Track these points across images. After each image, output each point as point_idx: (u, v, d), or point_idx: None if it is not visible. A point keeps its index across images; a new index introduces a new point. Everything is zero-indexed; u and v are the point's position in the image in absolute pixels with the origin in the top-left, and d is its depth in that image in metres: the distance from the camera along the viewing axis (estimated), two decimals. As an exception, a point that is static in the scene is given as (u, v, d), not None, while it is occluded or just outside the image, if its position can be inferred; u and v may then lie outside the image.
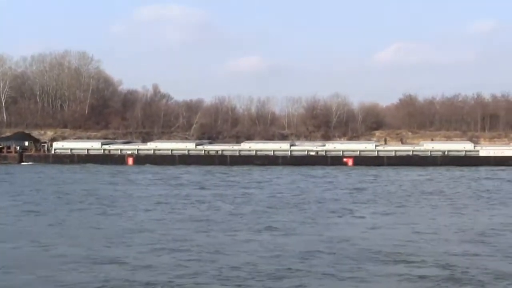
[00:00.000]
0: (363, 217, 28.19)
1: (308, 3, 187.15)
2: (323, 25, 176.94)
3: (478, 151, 64.18)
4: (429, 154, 64.27)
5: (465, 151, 64.31)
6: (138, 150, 67.50)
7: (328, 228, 25.13)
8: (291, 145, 67.44)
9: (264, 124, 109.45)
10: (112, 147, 68.28)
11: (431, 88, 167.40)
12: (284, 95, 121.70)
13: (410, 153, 64.91)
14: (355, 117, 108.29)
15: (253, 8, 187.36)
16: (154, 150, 67.17)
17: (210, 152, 66.89)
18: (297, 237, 23.15)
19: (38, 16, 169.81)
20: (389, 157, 64.27)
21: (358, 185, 43.51)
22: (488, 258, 19.13)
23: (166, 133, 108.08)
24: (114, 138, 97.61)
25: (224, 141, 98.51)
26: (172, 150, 66.96)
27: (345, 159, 64.33)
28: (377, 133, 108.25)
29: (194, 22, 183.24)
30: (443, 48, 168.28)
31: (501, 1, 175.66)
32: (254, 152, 66.17)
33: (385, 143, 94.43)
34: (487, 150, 64.48)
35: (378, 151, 65.21)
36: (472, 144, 66.81)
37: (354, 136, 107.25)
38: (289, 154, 65.66)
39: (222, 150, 67.03)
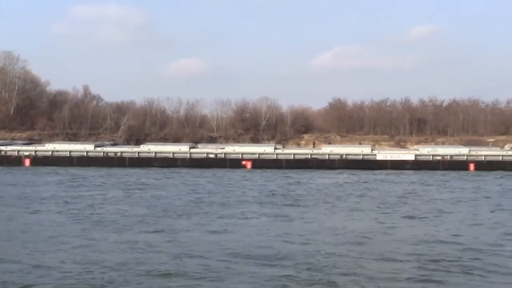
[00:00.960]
0: (247, 219, 27.54)
1: (250, 6, 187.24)
2: (265, 28, 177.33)
3: (375, 155, 64.16)
4: (327, 158, 64.09)
5: (363, 154, 64.23)
6: (35, 151, 66.04)
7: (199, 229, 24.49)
8: (190, 148, 66.68)
9: (192, 127, 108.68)
10: (9, 148, 66.70)
11: (367, 93, 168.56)
12: (214, 97, 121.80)
13: (309, 156, 64.65)
14: (284, 120, 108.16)
15: (195, 10, 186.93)
16: (52, 151, 65.76)
17: (109, 154, 65.77)
18: (175, 236, 22.72)
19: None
20: (287, 160, 63.88)
21: (253, 187, 42.93)
22: (358, 260, 18.89)
23: (93, 135, 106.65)
24: (40, 139, 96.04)
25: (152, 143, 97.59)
26: (70, 151, 65.66)
27: (244, 162, 63.81)
28: (306, 136, 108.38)
29: (133, 22, 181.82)
30: (381, 54, 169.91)
31: (439, 8, 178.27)
32: (154, 154, 65.27)
33: (314, 146, 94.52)
34: (384, 154, 64.48)
35: (277, 154, 64.78)
36: (370, 148, 66.79)
37: (283, 139, 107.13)
38: (189, 156, 64.90)
39: (121, 152, 65.97)
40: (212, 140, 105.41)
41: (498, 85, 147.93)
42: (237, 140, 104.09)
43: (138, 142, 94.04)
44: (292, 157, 64.58)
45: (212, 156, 65.23)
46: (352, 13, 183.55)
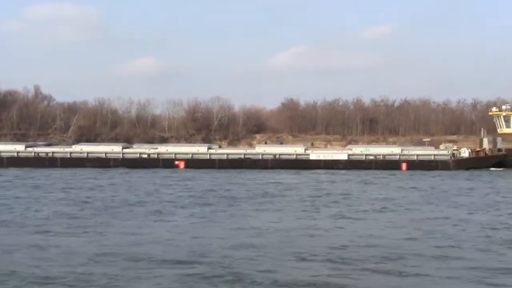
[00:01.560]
0: (173, 220, 26.64)
1: (209, 7, 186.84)
2: (223, 29, 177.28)
3: (308, 154, 63.97)
4: (260, 158, 63.72)
5: (296, 154, 64.02)
6: (-35, 152, 64.71)
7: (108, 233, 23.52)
8: (124, 148, 65.87)
9: (144, 127, 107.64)
10: None
11: (323, 92, 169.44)
12: (167, 97, 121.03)
13: (242, 156, 64.22)
14: (237, 120, 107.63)
15: (151, 10, 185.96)
16: (-18, 152, 64.52)
17: (40, 154, 64.68)
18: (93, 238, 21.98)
19: None
20: (220, 160, 63.38)
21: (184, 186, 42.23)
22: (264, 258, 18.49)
23: (43, 135, 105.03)
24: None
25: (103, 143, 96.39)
26: (0, 152, 64.48)
27: (177, 162, 63.19)
28: (258, 136, 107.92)
29: (89, 22, 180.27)
30: (337, 53, 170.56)
31: (397, 8, 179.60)
32: (86, 154, 64.34)
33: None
34: (317, 153, 64.31)
35: (210, 154, 64.25)
36: (304, 148, 66.53)
37: (235, 139, 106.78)
38: (121, 156, 64.10)
39: (53, 152, 64.91)
40: (163, 140, 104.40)
41: (449, 86, 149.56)
42: (188, 140, 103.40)
43: (88, 142, 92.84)
44: (225, 157, 64.09)
45: (145, 156, 64.51)
46: (310, 14, 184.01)
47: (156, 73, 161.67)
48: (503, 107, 67.94)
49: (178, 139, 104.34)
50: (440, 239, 22.00)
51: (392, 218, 27.90)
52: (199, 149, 65.50)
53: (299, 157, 63.73)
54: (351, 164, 62.48)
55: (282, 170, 59.54)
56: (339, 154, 64.43)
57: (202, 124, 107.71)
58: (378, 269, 17.21)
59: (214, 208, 30.61)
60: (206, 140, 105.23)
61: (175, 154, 64.26)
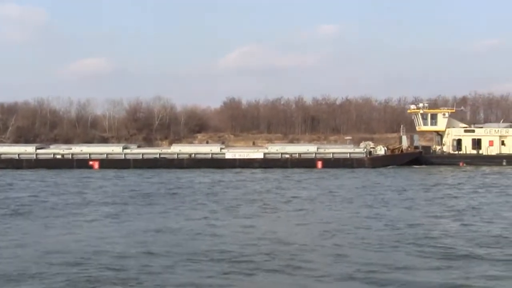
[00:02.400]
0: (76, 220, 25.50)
1: (158, 7, 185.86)
2: (171, 29, 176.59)
3: (224, 153, 63.57)
4: (176, 157, 63.18)
5: (212, 153, 63.58)
6: None
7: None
8: (37, 148, 64.83)
9: (84, 127, 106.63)
10: None
11: (269, 91, 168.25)
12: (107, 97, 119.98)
13: (157, 156, 63.64)
14: (178, 120, 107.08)
15: (97, 11, 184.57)
16: None
17: (-50, 156, 63.37)
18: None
19: None
20: (135, 160, 62.66)
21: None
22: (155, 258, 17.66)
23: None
24: None
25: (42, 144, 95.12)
26: None
27: (91, 162, 62.34)
28: (199, 135, 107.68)
29: (33, 22, 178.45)
30: (285, 52, 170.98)
31: (345, 7, 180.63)
32: (-2, 155, 63.21)
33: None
34: (233, 153, 63.93)
35: (125, 154, 63.52)
36: (219, 147, 66.11)
37: (176, 139, 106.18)
38: (34, 157, 63.07)
39: (-37, 154, 63.63)
40: (104, 140, 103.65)
41: (391, 84, 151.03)
42: (129, 140, 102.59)
43: (27, 143, 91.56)
44: (140, 156, 63.46)
45: (59, 156, 63.54)
46: (260, 13, 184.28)
47: (106, 73, 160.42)
48: (420, 105, 68.25)
49: (118, 139, 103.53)
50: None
51: (294, 216, 27.20)
52: (114, 149, 64.73)
53: (214, 156, 63.27)
54: (267, 163, 62.15)
55: (198, 169, 59.15)
56: (255, 153, 64.09)
57: (143, 124, 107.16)
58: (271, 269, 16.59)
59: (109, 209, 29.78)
60: (147, 140, 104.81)
61: (90, 154, 63.38)
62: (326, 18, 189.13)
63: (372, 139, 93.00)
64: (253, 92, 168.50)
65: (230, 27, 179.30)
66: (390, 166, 61.88)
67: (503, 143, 65.02)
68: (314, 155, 63.56)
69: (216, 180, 47.51)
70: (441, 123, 66.17)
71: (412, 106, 69.26)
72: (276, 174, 54.53)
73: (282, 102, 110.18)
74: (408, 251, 18.40)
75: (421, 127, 67.25)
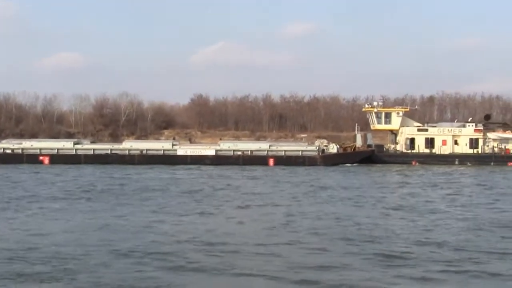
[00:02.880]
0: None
1: (133, 2, 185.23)
2: (147, 25, 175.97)
3: (176, 150, 63.28)
4: (127, 153, 62.80)
5: (164, 150, 63.26)
6: None
7: None
8: (-13, 144, 64.28)
9: (50, 122, 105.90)
10: None
11: (237, 89, 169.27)
12: (72, 93, 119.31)
13: (109, 151, 63.21)
14: (145, 116, 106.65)
15: (70, 4, 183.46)
16: None
17: None
18: None
19: None
20: (86, 156, 62.18)
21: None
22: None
23: None
24: None
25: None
26: None
27: (41, 157, 61.82)
28: (166, 132, 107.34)
29: (4, 15, 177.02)
30: (258, 50, 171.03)
31: (318, 5, 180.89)
32: None
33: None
34: (184, 149, 63.63)
35: (76, 149, 63.05)
36: (171, 143, 65.81)
37: (143, 135, 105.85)
38: (-16, 152, 62.49)
39: None
40: (70, 136, 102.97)
41: (358, 82, 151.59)
42: (96, 136, 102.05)
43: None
44: (91, 152, 63.00)
45: (8, 151, 62.93)
46: (233, 10, 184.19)
47: (78, 68, 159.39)
48: (374, 103, 68.29)
49: (85, 135, 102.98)
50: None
51: (239, 212, 26.95)
52: (64, 145, 64.20)
53: (166, 152, 62.92)
54: (218, 160, 61.94)
55: (149, 165, 58.77)
56: (207, 149, 63.83)
57: (110, 119, 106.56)
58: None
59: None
60: (114, 135, 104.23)
61: (40, 149, 62.80)
62: (299, 16, 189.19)
63: (339, 137, 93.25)
64: (223, 89, 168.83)
65: (202, 24, 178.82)
66: (342, 164, 61.91)
67: (456, 143, 65.16)
68: (266, 152, 63.35)
69: (162, 177, 47.40)
70: (395, 122, 66.19)
71: (367, 105, 69.29)
72: (232, 170, 54.34)
73: (250, 100, 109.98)
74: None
75: (375, 125, 67.23)
